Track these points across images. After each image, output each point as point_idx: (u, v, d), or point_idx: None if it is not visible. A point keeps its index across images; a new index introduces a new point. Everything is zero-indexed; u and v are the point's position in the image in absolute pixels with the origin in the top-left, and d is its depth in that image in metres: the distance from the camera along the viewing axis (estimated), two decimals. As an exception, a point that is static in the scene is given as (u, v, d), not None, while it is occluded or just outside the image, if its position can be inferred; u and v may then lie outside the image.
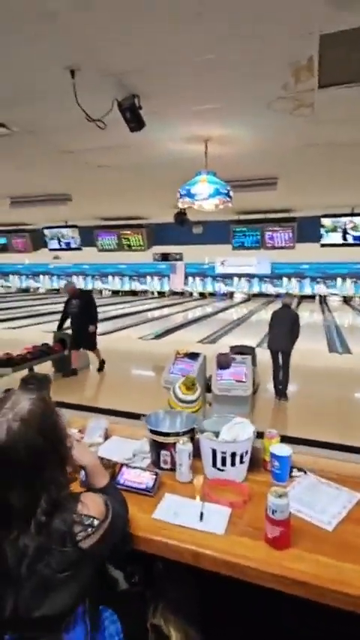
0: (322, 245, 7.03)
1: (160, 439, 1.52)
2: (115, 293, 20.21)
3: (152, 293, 19.86)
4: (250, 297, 18.56)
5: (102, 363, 6.34)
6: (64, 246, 7.66)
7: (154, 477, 1.40)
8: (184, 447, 1.44)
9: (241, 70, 2.25)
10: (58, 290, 21.30)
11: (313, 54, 2.06)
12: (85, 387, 5.96)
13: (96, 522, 0.92)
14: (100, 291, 20.53)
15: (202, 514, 1.25)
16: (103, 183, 5.05)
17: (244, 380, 3.50)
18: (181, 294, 19.27)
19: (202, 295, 19.12)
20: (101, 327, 10.99)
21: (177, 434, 1.51)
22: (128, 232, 7.46)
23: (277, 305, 5.72)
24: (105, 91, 2.37)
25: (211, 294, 19.08)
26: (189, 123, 3.04)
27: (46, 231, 7.83)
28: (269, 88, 2.45)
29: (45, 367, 5.99)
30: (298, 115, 2.83)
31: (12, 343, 6.80)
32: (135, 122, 2.50)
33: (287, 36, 1.91)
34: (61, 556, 0.85)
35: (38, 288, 21.79)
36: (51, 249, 7.99)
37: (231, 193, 3.42)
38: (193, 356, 3.77)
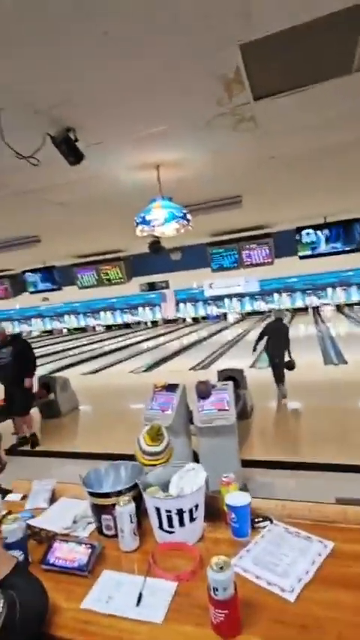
0: (301, 257, 6.95)
1: (98, 501, 1.30)
2: (109, 328, 20.09)
3: (145, 324, 19.74)
4: (244, 317, 18.44)
5: (33, 436, 5.05)
6: (43, 288, 7.58)
7: (89, 550, 1.18)
8: (123, 508, 1.22)
9: (173, 89, 2.18)
10: (50, 331, 21.24)
11: (238, 65, 2.00)
12: (69, 430, 5.67)
13: None
14: (94, 327, 20.43)
15: (140, 596, 1.02)
16: (70, 221, 4.99)
17: (226, 408, 3.27)
18: (174, 321, 19.16)
19: (195, 320, 19.01)
20: (93, 365, 10.80)
21: (119, 493, 1.30)
22: (107, 267, 7.39)
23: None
24: (34, 127, 2.30)
25: (204, 318, 18.97)
26: (135, 150, 2.98)
27: (26, 275, 7.76)
28: (205, 105, 2.38)
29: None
30: (242, 130, 2.77)
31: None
32: (73, 156, 2.44)
33: (207, 47, 1.84)
34: None
35: (31, 331, 21.67)
36: (32, 292, 7.89)
37: (188, 216, 3.33)
38: (172, 387, 3.55)
